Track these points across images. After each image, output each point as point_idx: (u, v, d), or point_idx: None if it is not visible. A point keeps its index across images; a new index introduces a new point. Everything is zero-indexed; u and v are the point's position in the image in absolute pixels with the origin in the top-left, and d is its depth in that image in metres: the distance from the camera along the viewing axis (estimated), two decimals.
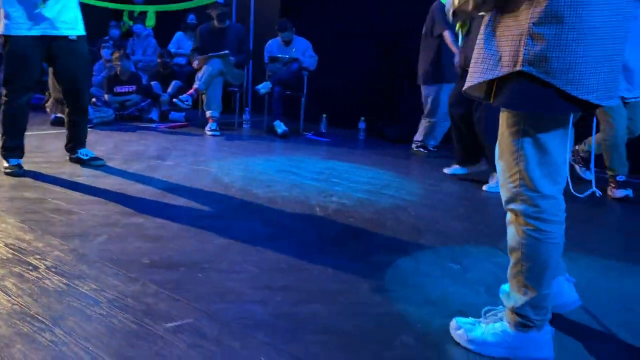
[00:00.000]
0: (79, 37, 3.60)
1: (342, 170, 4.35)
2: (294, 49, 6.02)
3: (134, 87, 6.22)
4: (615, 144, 3.65)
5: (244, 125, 6.29)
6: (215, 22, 5.93)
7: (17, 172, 3.48)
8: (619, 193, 3.74)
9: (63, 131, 4.07)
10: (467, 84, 1.62)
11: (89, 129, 5.23)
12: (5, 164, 3.52)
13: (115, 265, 2.18)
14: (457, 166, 4.23)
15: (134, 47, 7.67)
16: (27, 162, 3.69)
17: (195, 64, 5.89)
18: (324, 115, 6.07)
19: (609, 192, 3.77)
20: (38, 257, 2.21)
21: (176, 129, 5.89)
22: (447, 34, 4.66)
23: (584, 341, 1.80)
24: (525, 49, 1.44)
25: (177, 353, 1.58)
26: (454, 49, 4.57)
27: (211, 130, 5.63)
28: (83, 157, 3.82)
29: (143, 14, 8.09)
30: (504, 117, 1.60)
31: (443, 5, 4.63)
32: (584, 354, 1.74)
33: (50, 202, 2.95)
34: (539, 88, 1.45)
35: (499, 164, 1.64)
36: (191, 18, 7.59)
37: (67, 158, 3.92)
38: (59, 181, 3.39)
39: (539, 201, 1.55)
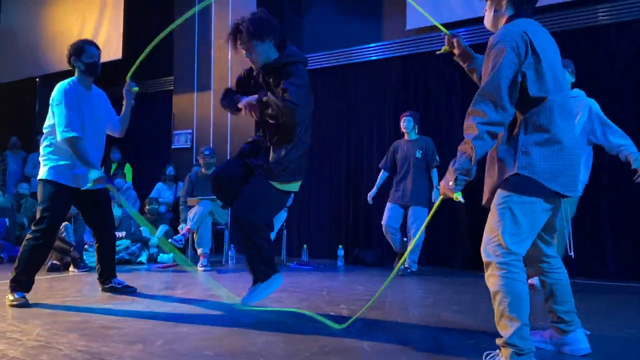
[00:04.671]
0: None
1: (336, 286, 4.80)
2: None
3: (124, 233, 6.61)
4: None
5: (229, 261, 6.69)
6: (203, 169, 6.61)
7: (24, 303, 3.62)
8: None
9: (60, 276, 4.33)
10: (490, 189, 2.34)
11: (85, 272, 5.53)
12: (11, 297, 3.68)
13: (184, 357, 2.50)
14: None
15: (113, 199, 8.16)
16: (47, 298, 3.96)
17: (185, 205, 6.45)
18: (305, 246, 6.61)
19: None
20: (115, 356, 2.50)
21: (167, 268, 6.22)
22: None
23: None
24: (519, 160, 2.20)
25: None
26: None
27: (203, 266, 6.02)
28: (117, 286, 4.15)
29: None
30: (497, 197, 2.28)
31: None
32: None
33: (95, 322, 3.22)
34: (531, 182, 2.19)
35: (486, 230, 2.29)
36: (170, 170, 8.25)
37: (100, 288, 4.25)
38: (93, 309, 3.62)
39: (507, 255, 2.20)
